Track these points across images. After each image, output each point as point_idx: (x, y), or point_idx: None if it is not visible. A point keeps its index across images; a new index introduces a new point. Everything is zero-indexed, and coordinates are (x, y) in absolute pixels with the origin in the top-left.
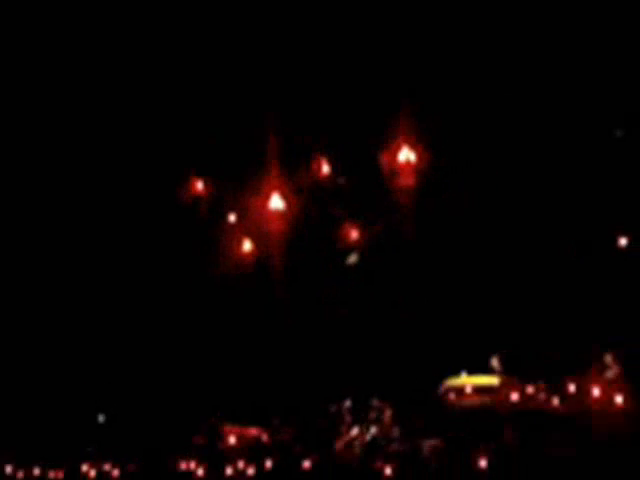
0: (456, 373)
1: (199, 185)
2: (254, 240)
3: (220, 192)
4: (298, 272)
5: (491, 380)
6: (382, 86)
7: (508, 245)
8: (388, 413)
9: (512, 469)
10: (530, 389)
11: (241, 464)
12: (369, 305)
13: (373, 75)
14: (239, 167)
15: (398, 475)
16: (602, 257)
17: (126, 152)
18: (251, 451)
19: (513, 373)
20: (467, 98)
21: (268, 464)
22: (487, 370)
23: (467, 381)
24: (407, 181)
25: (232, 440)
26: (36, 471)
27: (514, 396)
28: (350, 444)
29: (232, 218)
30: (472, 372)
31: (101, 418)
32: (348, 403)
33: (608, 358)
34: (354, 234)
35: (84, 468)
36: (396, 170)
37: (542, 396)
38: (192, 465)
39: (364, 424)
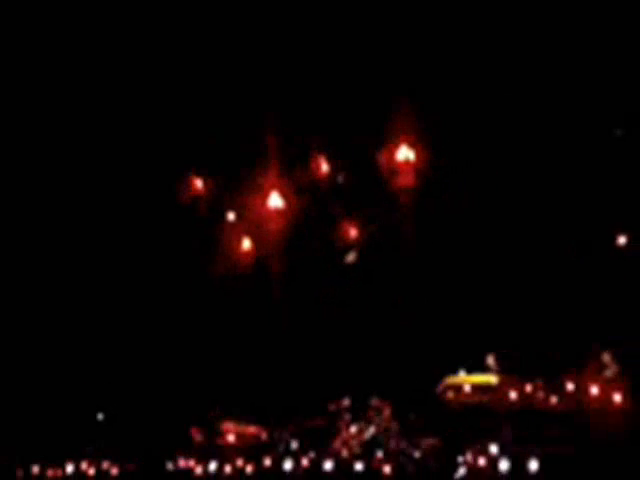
0: (455, 372)
1: (198, 184)
2: (253, 238)
3: (219, 190)
4: (297, 270)
5: (489, 379)
6: (381, 85)
7: (507, 244)
8: (387, 411)
9: (512, 468)
10: (529, 387)
11: (240, 462)
12: (368, 304)
13: (372, 74)
14: (238, 166)
15: (397, 473)
16: (601, 256)
17: (126, 151)
18: (250, 449)
19: (512, 371)
20: (467, 98)
21: (267, 462)
22: (485, 369)
23: (466, 380)
24: (406, 180)
25: (231, 438)
26: (35, 469)
27: (512, 394)
28: (349, 442)
29: (231, 216)
30: (471, 371)
31: (100, 416)
32: (347, 401)
33: (606, 357)
34: (353, 232)
35: (83, 466)
36: (395, 169)
37: (541, 394)
38: (191, 463)
39: (363, 422)
